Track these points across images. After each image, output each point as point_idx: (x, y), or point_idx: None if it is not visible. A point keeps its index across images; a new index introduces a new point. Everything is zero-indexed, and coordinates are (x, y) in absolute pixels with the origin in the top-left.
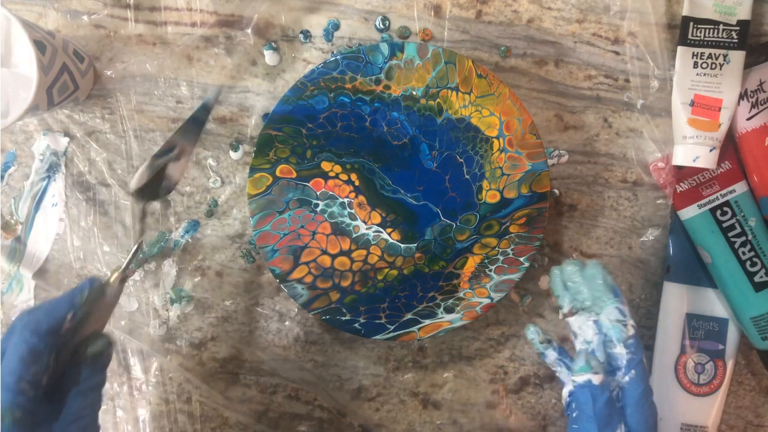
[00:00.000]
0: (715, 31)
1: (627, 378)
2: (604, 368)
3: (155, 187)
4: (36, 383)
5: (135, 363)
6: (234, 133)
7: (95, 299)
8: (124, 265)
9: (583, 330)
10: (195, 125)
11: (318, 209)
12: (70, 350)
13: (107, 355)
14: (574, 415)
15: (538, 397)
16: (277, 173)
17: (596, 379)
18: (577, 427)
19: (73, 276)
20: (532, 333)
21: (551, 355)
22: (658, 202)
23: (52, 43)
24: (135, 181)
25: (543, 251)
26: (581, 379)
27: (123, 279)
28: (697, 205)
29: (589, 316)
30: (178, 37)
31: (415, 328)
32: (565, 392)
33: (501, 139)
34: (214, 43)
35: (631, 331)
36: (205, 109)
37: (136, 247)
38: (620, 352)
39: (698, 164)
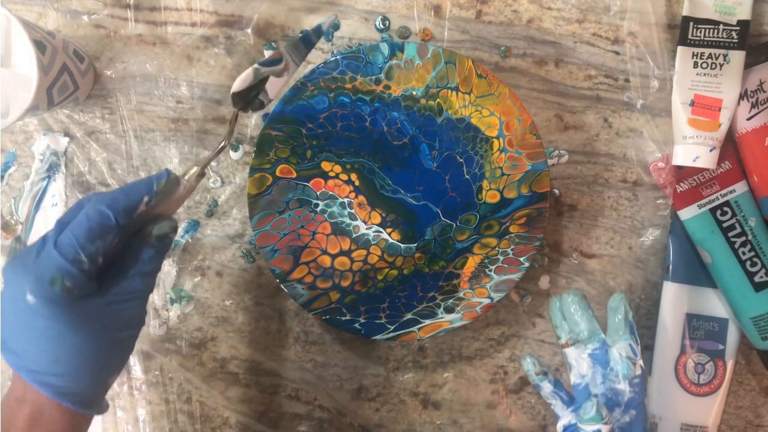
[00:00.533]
0: (715, 31)
1: (627, 418)
2: (612, 418)
3: (252, 96)
4: (94, 258)
5: (135, 363)
6: (234, 133)
7: (170, 190)
8: (206, 161)
9: (579, 363)
10: (305, 45)
11: (318, 209)
12: (135, 232)
13: (169, 240)
14: None
15: (538, 397)
16: (277, 173)
17: (605, 429)
18: None
19: None
20: (528, 364)
21: (546, 388)
22: (658, 202)
23: (52, 43)
24: (237, 83)
25: (543, 251)
26: (591, 428)
27: (201, 174)
28: (697, 205)
29: (585, 349)
30: (178, 37)
31: (415, 328)
32: (559, 426)
33: (501, 139)
34: (214, 43)
35: (639, 371)
36: (317, 32)
37: (221, 146)
38: (623, 389)
39: (698, 164)
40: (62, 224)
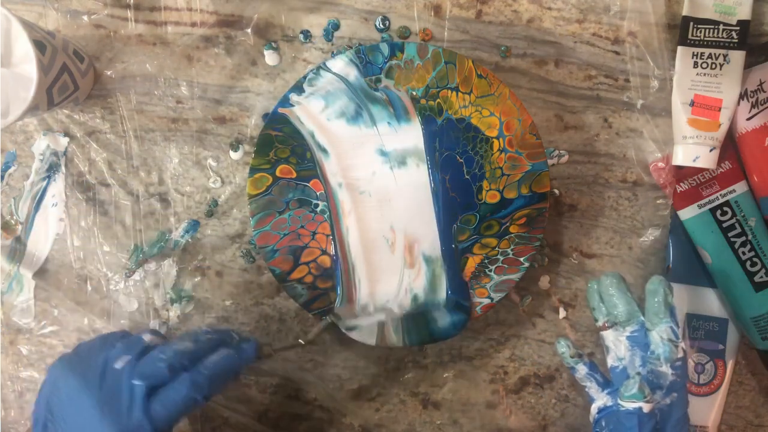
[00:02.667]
0: (715, 31)
1: (668, 400)
2: (655, 397)
3: None
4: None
5: None
6: (234, 133)
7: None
8: (279, 347)
9: (617, 346)
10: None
11: (318, 209)
12: None
13: None
14: None
15: (538, 397)
16: (277, 173)
17: (647, 407)
18: None
19: (73, 276)
20: (563, 347)
21: (582, 370)
22: (658, 202)
23: (52, 43)
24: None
25: (543, 251)
26: (632, 405)
27: (268, 355)
28: (697, 205)
29: (624, 331)
30: (178, 37)
31: None
32: (594, 408)
33: (501, 140)
34: (214, 43)
35: (681, 354)
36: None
37: (301, 343)
38: (665, 371)
39: (698, 164)
40: (150, 384)
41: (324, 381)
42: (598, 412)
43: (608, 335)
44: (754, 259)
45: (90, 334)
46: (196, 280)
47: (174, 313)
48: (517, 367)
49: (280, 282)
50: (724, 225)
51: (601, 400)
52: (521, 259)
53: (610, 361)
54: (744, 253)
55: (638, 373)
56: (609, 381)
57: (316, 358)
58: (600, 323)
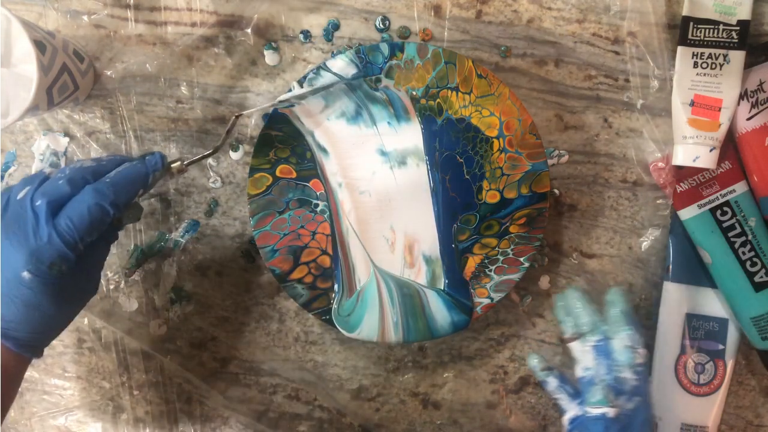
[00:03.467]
0: (715, 31)
1: (631, 404)
2: (619, 402)
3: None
4: (87, 244)
5: (135, 363)
6: (234, 133)
7: (158, 180)
8: (192, 159)
9: (584, 356)
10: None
11: (318, 209)
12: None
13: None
14: None
15: (538, 397)
16: (277, 173)
17: (612, 413)
18: None
19: None
20: (533, 361)
21: (552, 383)
22: (658, 202)
23: (52, 43)
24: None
25: (543, 251)
26: (598, 411)
27: (180, 171)
28: (697, 205)
29: (588, 341)
30: (178, 37)
31: None
32: (566, 419)
33: (501, 139)
34: (214, 43)
35: (641, 359)
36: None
37: (211, 150)
38: (628, 377)
39: (698, 164)
40: (52, 200)
41: (324, 381)
42: (570, 423)
43: (575, 346)
44: (754, 259)
45: (90, 334)
46: (196, 280)
47: (174, 313)
48: (517, 367)
49: (280, 282)
50: (724, 225)
51: (572, 410)
52: (521, 259)
53: (579, 372)
54: (744, 253)
55: (602, 380)
56: (578, 391)
57: (316, 358)
58: (567, 335)
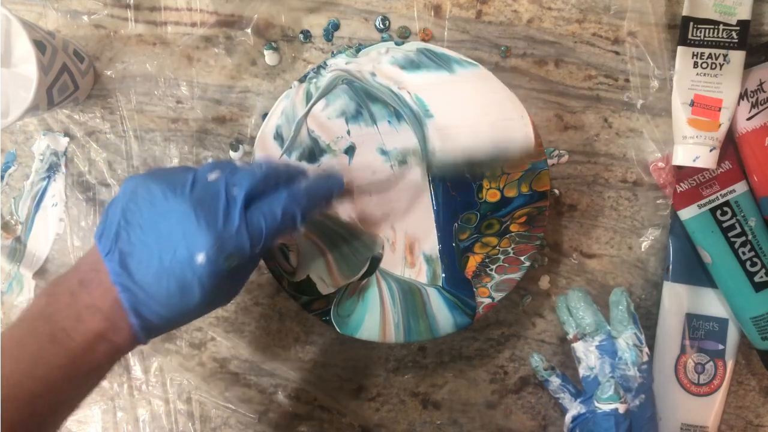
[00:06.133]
0: (715, 31)
1: (637, 402)
2: (628, 398)
3: None
4: (265, 246)
5: (135, 363)
6: (234, 133)
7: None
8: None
9: (587, 356)
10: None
11: None
12: None
13: None
14: None
15: (538, 397)
16: None
17: (622, 408)
18: None
19: None
20: (536, 361)
21: (555, 382)
22: (658, 202)
23: (52, 43)
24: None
25: (543, 251)
26: (608, 407)
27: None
28: (697, 205)
29: (593, 341)
30: (178, 37)
31: None
32: (568, 418)
33: None
34: (214, 43)
35: (646, 358)
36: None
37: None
38: (633, 375)
39: (698, 164)
40: (249, 192)
41: (324, 381)
42: (572, 421)
43: (578, 347)
44: (754, 259)
45: None
46: None
47: None
48: (517, 367)
49: (280, 282)
50: (724, 225)
51: (574, 409)
52: (522, 258)
53: (582, 371)
54: (744, 253)
55: (612, 377)
56: (580, 391)
57: (316, 358)
58: (570, 336)
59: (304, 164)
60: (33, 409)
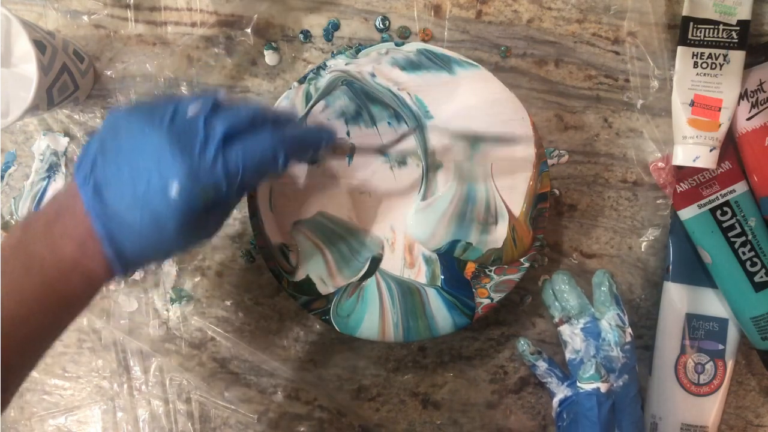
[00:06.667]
0: (715, 31)
1: (621, 382)
2: (610, 378)
3: None
4: (241, 184)
5: (135, 363)
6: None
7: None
8: (360, 147)
9: (573, 339)
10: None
11: None
12: None
13: None
14: (568, 422)
15: (538, 397)
16: None
17: (604, 387)
18: None
19: None
20: (522, 345)
21: (542, 366)
22: (658, 202)
23: (52, 43)
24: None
25: (543, 251)
26: (590, 386)
27: (343, 153)
28: (697, 205)
29: (577, 324)
30: (178, 37)
31: None
32: (555, 402)
33: None
34: (214, 43)
35: (629, 338)
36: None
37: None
38: (616, 355)
39: (698, 164)
40: (229, 129)
41: (324, 381)
42: (559, 405)
43: (564, 330)
44: (754, 259)
45: (90, 334)
46: (196, 280)
47: (174, 313)
48: (517, 367)
49: (280, 282)
50: (724, 225)
51: (561, 393)
52: (521, 259)
53: (568, 354)
54: (744, 253)
55: (594, 357)
56: (567, 375)
57: (316, 358)
58: (556, 319)
59: (296, 111)
60: (8, 340)
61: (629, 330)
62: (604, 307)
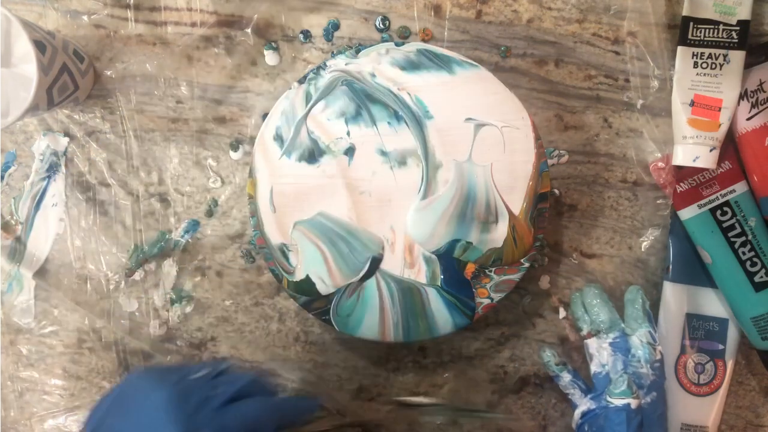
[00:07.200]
0: (715, 31)
1: (649, 399)
2: (640, 395)
3: None
4: None
5: (135, 363)
6: (234, 133)
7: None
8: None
9: (600, 353)
10: None
11: None
12: None
13: None
14: None
15: (538, 397)
16: None
17: (634, 404)
18: None
19: (73, 276)
20: (547, 356)
21: (566, 377)
22: (658, 202)
23: (52, 43)
24: None
25: (543, 251)
26: (621, 402)
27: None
28: (697, 205)
29: (606, 338)
30: (178, 37)
31: None
32: (577, 413)
33: None
34: (214, 43)
35: (659, 356)
36: None
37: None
38: (645, 372)
39: (698, 164)
40: (233, 391)
41: (324, 381)
42: (581, 417)
43: (592, 343)
44: (754, 259)
45: (90, 334)
46: (196, 280)
47: (174, 313)
48: (517, 367)
49: (280, 282)
50: (724, 225)
51: (584, 405)
52: (521, 260)
53: (594, 368)
54: (744, 253)
55: (626, 373)
56: (590, 388)
57: (316, 358)
58: (584, 332)
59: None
60: None
61: (659, 347)
62: (636, 324)
